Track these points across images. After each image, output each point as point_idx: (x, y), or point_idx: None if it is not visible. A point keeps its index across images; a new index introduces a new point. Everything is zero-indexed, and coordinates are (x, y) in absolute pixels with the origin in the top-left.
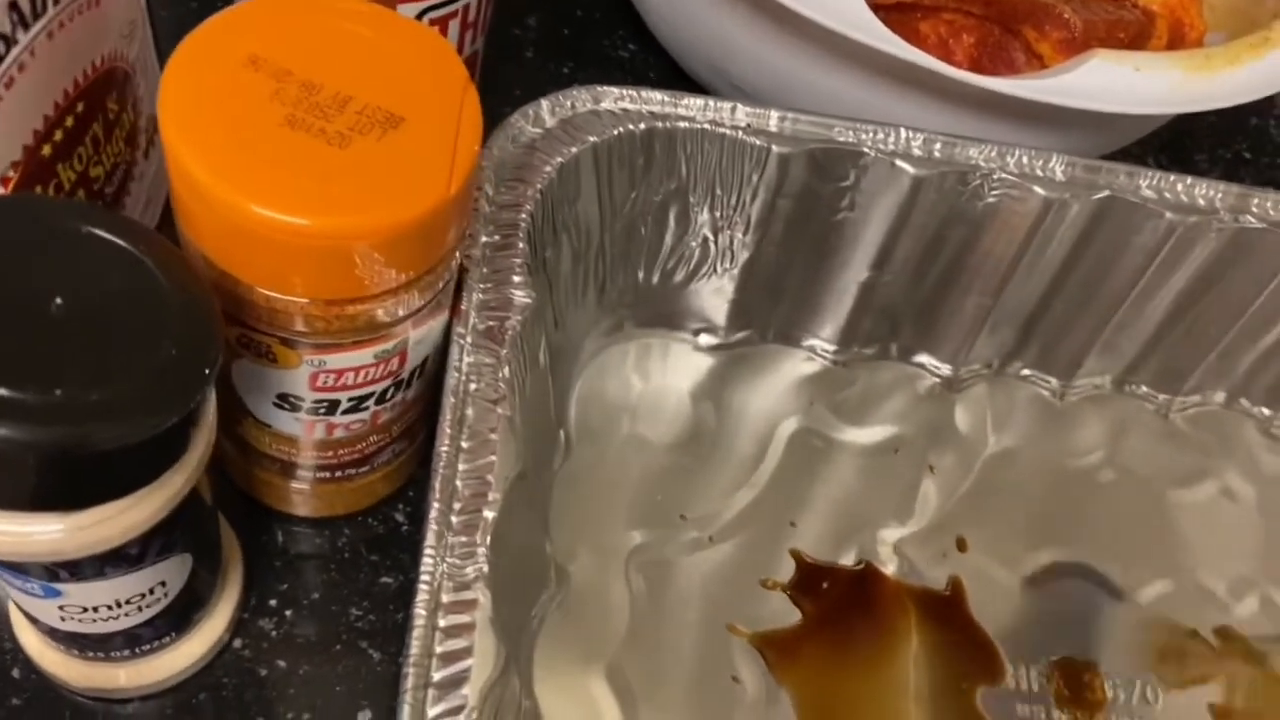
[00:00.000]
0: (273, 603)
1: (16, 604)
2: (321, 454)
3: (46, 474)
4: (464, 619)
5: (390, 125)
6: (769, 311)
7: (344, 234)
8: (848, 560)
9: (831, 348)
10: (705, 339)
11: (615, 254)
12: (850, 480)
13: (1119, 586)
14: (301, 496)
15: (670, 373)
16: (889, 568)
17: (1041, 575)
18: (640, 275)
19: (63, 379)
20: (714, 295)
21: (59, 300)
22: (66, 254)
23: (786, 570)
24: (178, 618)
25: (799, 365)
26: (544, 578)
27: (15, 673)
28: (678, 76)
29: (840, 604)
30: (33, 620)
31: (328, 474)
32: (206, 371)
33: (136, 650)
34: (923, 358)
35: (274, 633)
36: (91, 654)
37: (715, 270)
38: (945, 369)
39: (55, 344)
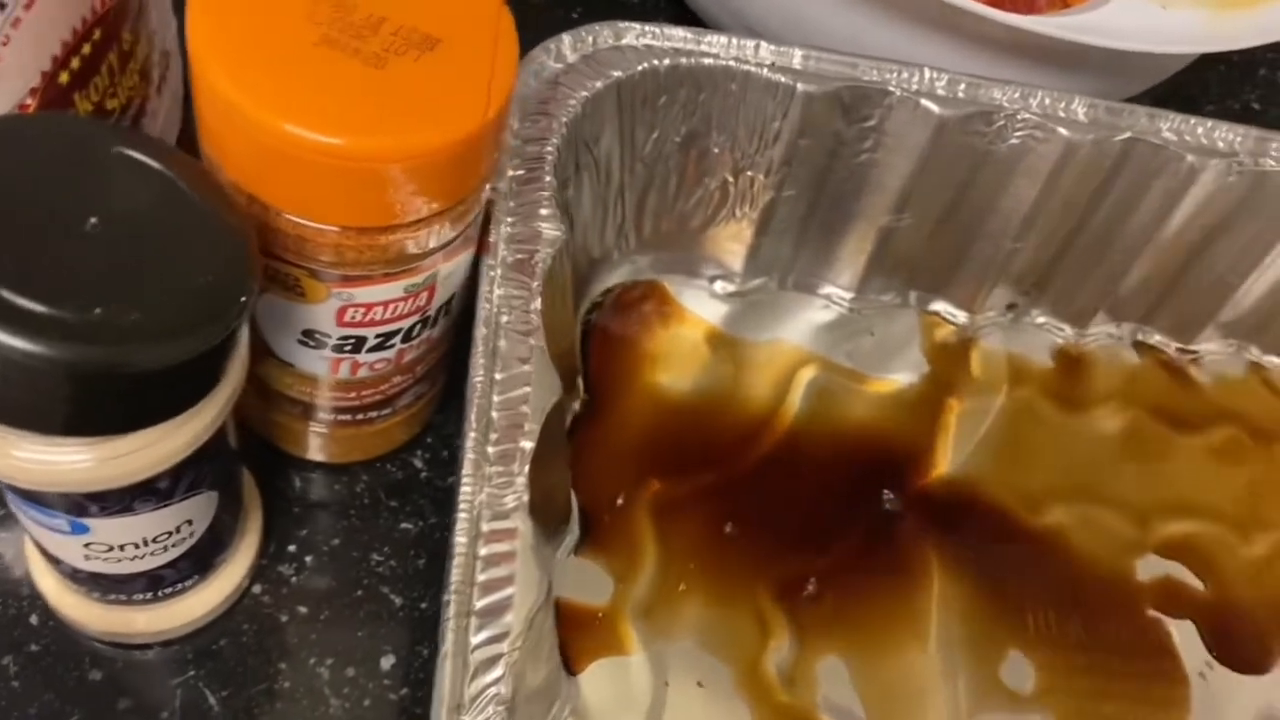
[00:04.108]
0: (292, 549)
1: (37, 546)
2: (343, 395)
3: (82, 397)
4: (504, 548)
5: (426, 47)
6: (787, 258)
7: (379, 156)
8: (867, 508)
9: (848, 295)
10: (721, 285)
11: (634, 196)
12: (869, 428)
13: (1133, 530)
14: (320, 441)
15: (687, 319)
16: (908, 515)
17: (1058, 522)
18: (658, 219)
19: (101, 299)
20: (732, 240)
21: (94, 220)
22: (101, 174)
23: (807, 518)
24: (200, 560)
25: (816, 313)
26: (568, 520)
27: (33, 619)
28: (688, 22)
29: (861, 552)
30: (53, 562)
31: (348, 417)
32: (244, 298)
33: (158, 593)
34: (939, 305)
35: (294, 579)
36: (112, 596)
37: (734, 214)
38: (961, 316)
39: (91, 264)
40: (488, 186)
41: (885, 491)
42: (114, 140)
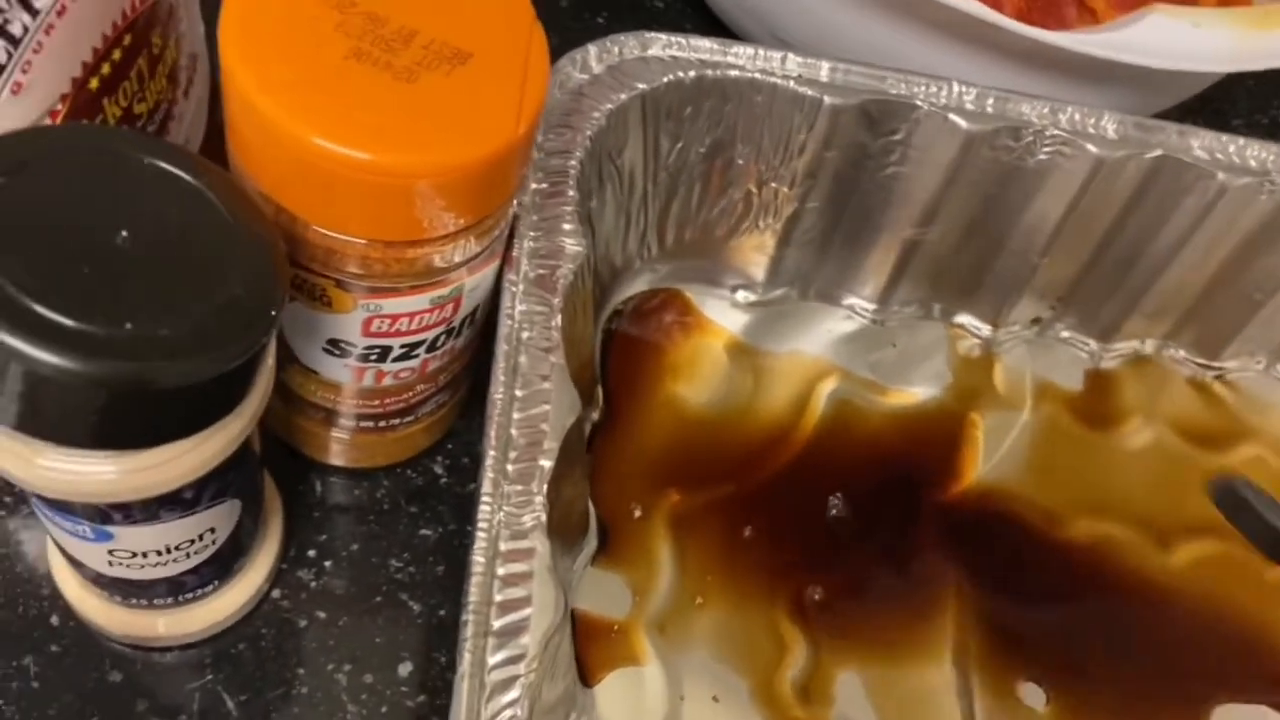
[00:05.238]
0: (311, 554)
1: (59, 548)
2: (366, 402)
3: (110, 411)
4: (522, 568)
5: (458, 61)
6: (810, 269)
7: (408, 171)
8: (889, 521)
9: (871, 307)
10: (743, 295)
11: (657, 206)
12: (890, 440)
13: (1153, 549)
14: (341, 446)
15: (708, 329)
16: (930, 529)
17: (1082, 540)
18: (681, 229)
19: (132, 313)
20: (755, 251)
21: (124, 233)
22: (130, 185)
23: (827, 531)
24: (222, 566)
25: (838, 324)
26: (586, 531)
27: (54, 620)
28: (714, 27)
29: (882, 565)
30: (76, 565)
31: (371, 423)
32: (273, 311)
33: (179, 598)
34: (963, 318)
35: (313, 584)
36: (134, 601)
37: (757, 225)
38: (985, 330)
39: (122, 277)
40: (514, 202)
41: (907, 505)
42: (141, 150)
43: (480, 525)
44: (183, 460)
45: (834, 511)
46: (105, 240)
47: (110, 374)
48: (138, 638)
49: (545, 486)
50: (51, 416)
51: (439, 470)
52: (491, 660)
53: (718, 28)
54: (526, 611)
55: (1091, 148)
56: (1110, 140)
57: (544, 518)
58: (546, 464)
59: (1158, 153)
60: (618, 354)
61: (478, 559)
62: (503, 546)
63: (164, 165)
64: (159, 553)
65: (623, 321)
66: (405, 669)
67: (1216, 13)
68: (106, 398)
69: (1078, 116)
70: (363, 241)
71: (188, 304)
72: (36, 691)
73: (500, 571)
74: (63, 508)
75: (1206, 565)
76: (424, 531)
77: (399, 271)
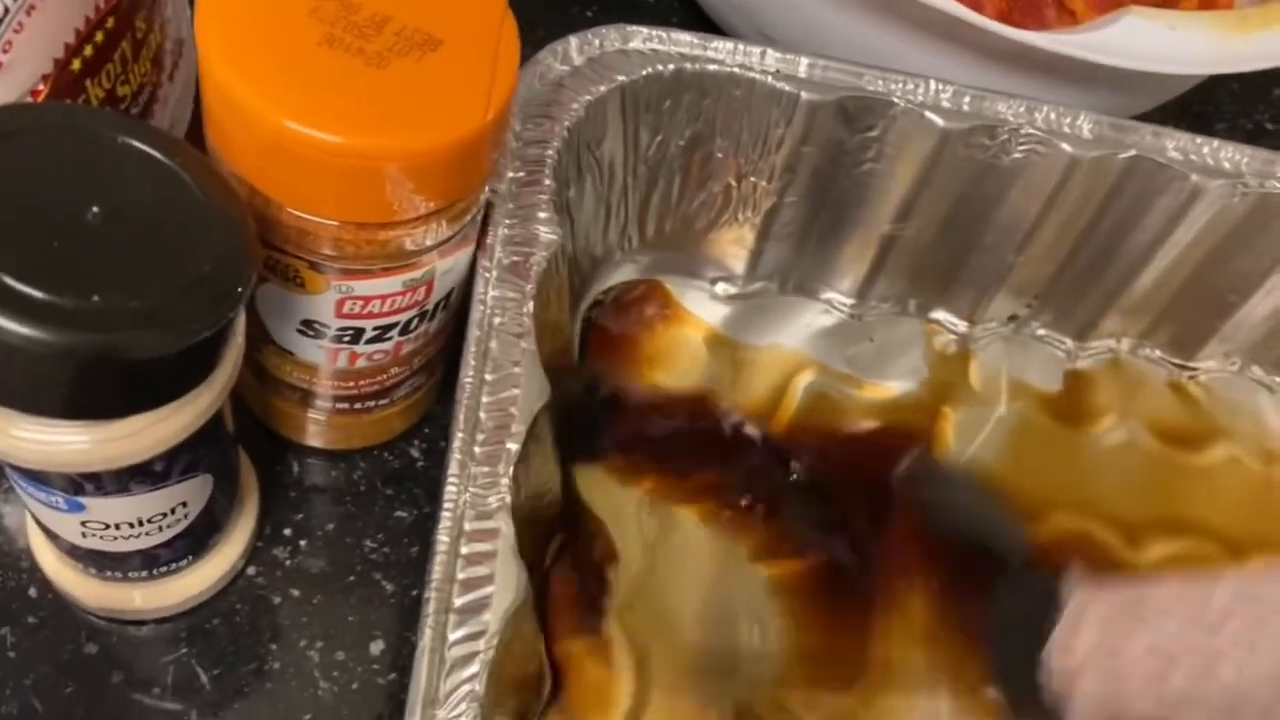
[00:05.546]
0: (287, 532)
1: (37, 521)
2: (342, 384)
3: (79, 381)
4: (486, 547)
5: (429, 48)
6: (788, 263)
7: (378, 154)
8: (861, 511)
9: (849, 301)
10: (722, 288)
11: (637, 198)
12: (864, 433)
13: (1124, 547)
14: (318, 428)
15: (687, 320)
16: (903, 522)
17: (1050, 536)
18: (661, 221)
19: (100, 286)
20: (733, 244)
21: (95, 209)
22: (103, 163)
23: (799, 520)
24: (195, 541)
25: (816, 317)
26: (557, 518)
27: (32, 592)
28: (701, 23)
29: (853, 556)
30: (52, 537)
31: (346, 405)
32: (241, 287)
33: (153, 571)
34: (940, 314)
35: (288, 562)
36: (109, 573)
37: (736, 219)
38: (961, 326)
39: (92, 252)
40: (486, 188)
41: (880, 498)
42: (117, 130)
43: (446, 505)
44: (153, 431)
45: (807, 501)
46: (76, 216)
47: (77, 344)
48: (113, 610)
49: (512, 469)
50: (22, 387)
51: (415, 453)
52: (452, 636)
53: (705, 23)
54: (488, 590)
55: (1066, 147)
56: (1085, 140)
57: (509, 499)
58: (514, 447)
59: (1132, 153)
60: (597, 343)
61: (442, 538)
62: (467, 526)
63: (140, 146)
64: (131, 525)
65: (603, 312)
66: (377, 647)
67: (1194, 16)
68: (75, 368)
69: (1053, 116)
70: (334, 223)
71: (156, 279)
72: (13, 662)
73: (464, 550)
74: (36, 478)
75: (1176, 564)
76: (399, 513)
77: (371, 253)
